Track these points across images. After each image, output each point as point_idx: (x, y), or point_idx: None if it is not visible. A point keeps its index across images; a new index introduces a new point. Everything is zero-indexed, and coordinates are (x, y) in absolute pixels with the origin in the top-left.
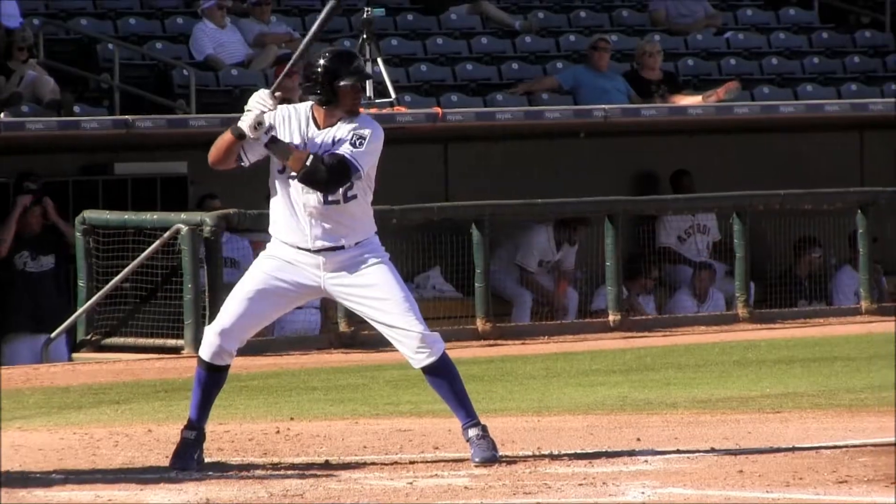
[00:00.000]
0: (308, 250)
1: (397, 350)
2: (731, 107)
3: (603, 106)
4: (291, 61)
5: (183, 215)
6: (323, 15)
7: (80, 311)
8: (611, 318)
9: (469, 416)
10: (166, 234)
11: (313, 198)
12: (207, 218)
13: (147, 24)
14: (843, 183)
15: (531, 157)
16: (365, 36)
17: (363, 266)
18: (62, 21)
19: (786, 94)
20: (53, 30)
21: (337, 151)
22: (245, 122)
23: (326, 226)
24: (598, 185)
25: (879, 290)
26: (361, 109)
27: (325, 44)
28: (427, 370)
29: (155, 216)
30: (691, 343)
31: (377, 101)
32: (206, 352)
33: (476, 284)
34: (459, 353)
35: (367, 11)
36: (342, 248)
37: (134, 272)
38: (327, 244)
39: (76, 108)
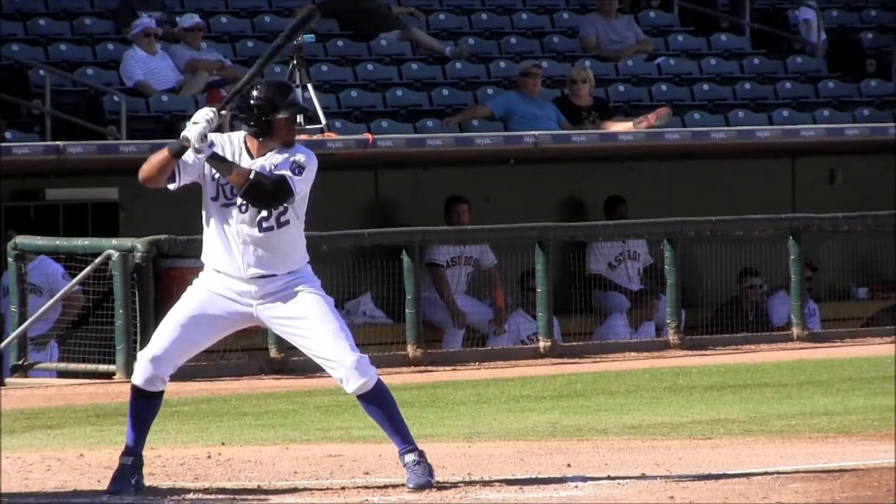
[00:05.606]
0: (241, 278)
1: (329, 376)
2: (662, 133)
3: (533, 132)
4: (246, 77)
5: (114, 241)
6: (295, 22)
7: (11, 336)
8: (541, 344)
9: (405, 441)
10: (97, 260)
11: (247, 226)
12: (138, 244)
13: (78, 51)
14: (776, 209)
15: (462, 183)
16: (295, 62)
17: (296, 295)
18: None
19: (717, 120)
20: None
21: (277, 172)
22: (192, 132)
23: (260, 254)
24: (528, 211)
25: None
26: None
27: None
28: (361, 398)
29: (86, 242)
30: (622, 369)
31: (307, 127)
32: (138, 378)
33: (407, 310)
34: (390, 379)
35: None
36: (274, 276)
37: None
38: (260, 272)
39: (7, 135)
